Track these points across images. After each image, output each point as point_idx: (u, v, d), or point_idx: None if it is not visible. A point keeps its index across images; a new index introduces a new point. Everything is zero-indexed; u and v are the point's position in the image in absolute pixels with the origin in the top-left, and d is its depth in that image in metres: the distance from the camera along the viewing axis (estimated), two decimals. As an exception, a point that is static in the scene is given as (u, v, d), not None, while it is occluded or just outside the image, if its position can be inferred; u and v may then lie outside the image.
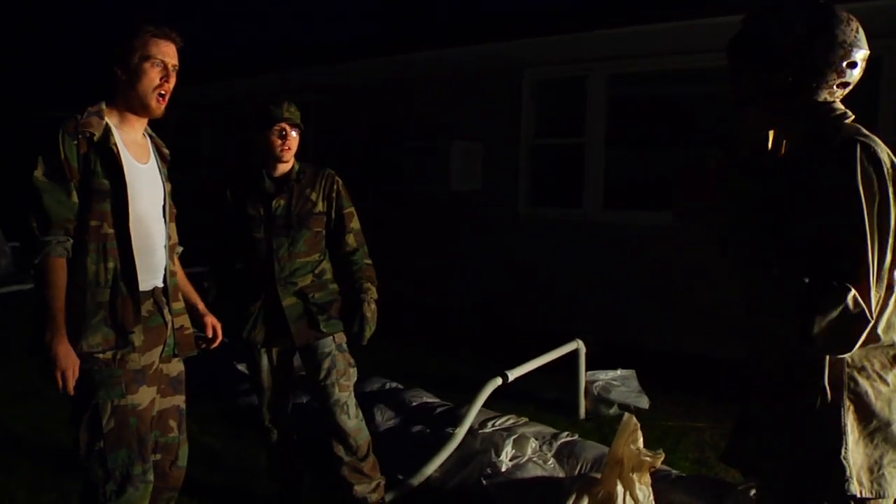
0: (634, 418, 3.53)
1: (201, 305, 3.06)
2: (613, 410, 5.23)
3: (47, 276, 2.46)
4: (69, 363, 2.44)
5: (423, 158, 9.01)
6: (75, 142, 2.51)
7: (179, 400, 2.90)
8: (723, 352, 5.08)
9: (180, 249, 3.00)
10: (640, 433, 3.48)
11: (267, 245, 3.52)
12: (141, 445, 2.61)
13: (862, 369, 1.76)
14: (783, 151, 1.96)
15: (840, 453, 1.73)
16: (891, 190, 1.68)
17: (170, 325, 2.78)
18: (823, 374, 1.75)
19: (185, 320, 2.88)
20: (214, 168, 12.72)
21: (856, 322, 1.64)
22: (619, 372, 5.62)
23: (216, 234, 3.74)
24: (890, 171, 1.70)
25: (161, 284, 2.77)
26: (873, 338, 1.72)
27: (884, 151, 1.72)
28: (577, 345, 5.11)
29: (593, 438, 4.51)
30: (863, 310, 1.63)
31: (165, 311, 2.76)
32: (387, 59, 9.97)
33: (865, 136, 1.74)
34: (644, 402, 5.45)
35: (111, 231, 2.58)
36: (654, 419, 5.15)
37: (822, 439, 1.76)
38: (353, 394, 3.58)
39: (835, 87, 1.82)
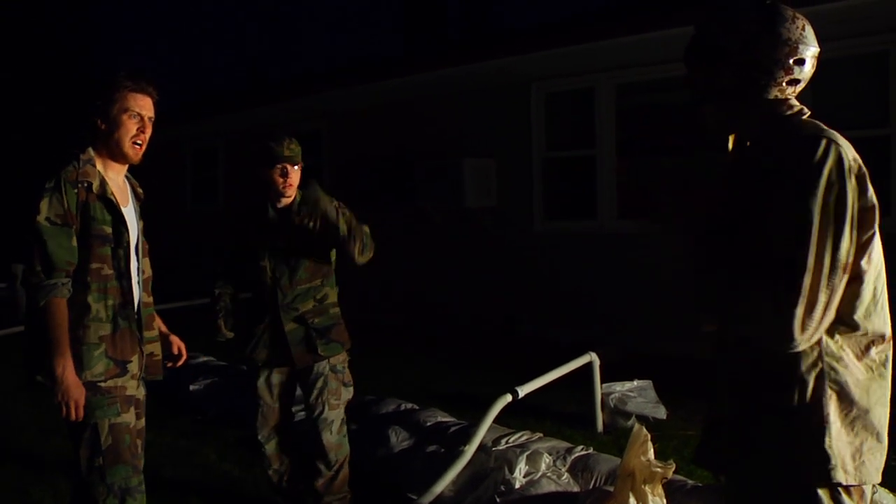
0: (644, 429, 3.52)
1: (164, 328, 3.21)
2: (631, 422, 5.19)
3: (55, 316, 2.67)
4: (80, 392, 2.67)
5: (436, 177, 9.06)
6: (75, 190, 2.73)
7: (144, 421, 3.05)
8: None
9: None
10: (650, 444, 3.46)
11: (271, 273, 3.69)
12: (134, 458, 2.83)
13: (840, 359, 1.77)
14: (738, 151, 2.01)
15: (824, 442, 1.75)
16: (850, 184, 1.71)
17: (143, 351, 2.95)
18: (800, 367, 1.77)
19: (156, 348, 3.07)
20: (232, 198, 12.84)
21: (787, 318, 1.68)
22: (635, 383, 5.58)
23: (220, 261, 3.98)
24: (853, 164, 1.73)
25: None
26: (852, 326, 1.76)
27: (845, 147, 1.75)
28: (591, 357, 5.10)
29: (611, 451, 4.47)
30: (792, 305, 1.67)
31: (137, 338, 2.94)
32: (397, 81, 10.07)
33: (827, 131, 1.78)
34: (661, 413, 5.42)
35: (111, 272, 2.82)
36: (671, 429, 5.12)
37: (805, 430, 1.77)
38: (342, 411, 3.75)
39: (784, 84, 1.86)
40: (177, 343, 3.21)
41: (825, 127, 1.80)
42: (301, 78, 13.99)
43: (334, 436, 3.71)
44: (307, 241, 3.70)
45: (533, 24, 10.48)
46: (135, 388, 2.88)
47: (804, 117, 1.88)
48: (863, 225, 1.74)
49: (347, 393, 3.80)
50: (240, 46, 25.00)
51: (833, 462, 1.74)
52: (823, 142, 1.72)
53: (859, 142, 1.95)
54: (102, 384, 2.75)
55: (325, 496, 3.79)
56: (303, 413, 4.80)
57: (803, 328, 1.69)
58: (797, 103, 1.90)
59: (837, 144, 1.73)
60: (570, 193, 8.75)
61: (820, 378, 1.76)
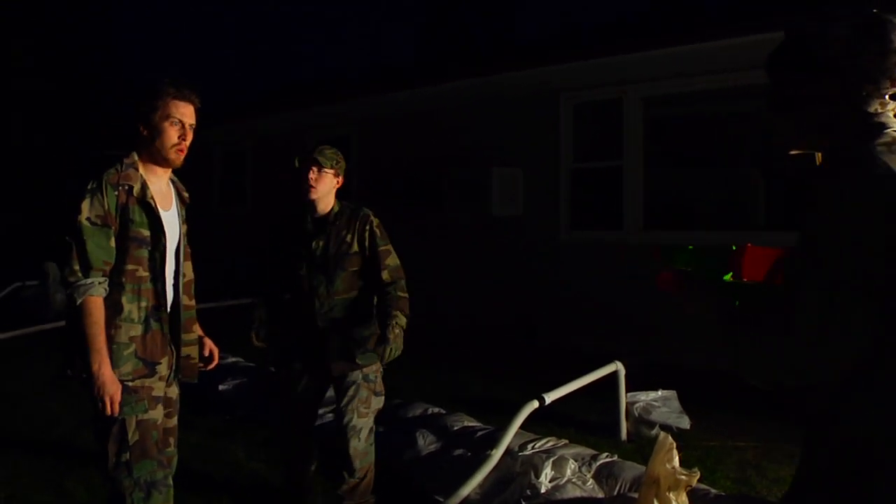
0: (670, 437, 3.56)
1: (199, 330, 3.27)
2: (655, 431, 5.22)
3: (92, 314, 2.74)
4: (116, 388, 2.75)
5: (465, 185, 9.14)
6: (116, 192, 2.82)
7: (176, 420, 3.14)
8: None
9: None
10: (675, 452, 3.51)
11: (308, 282, 3.78)
12: (160, 454, 2.90)
13: None
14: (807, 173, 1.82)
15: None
16: (876, 220, 1.55)
17: (175, 353, 3.03)
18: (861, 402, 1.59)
19: (193, 351, 3.13)
20: (259, 201, 12.96)
21: (791, 348, 1.60)
22: (659, 393, 5.62)
23: (264, 267, 4.09)
24: (881, 209, 1.55)
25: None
26: None
27: (878, 186, 1.57)
28: (617, 367, 5.15)
29: (634, 460, 4.50)
30: (791, 334, 1.58)
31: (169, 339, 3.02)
32: (427, 90, 10.14)
33: (872, 163, 1.60)
34: (685, 423, 5.44)
35: (146, 274, 2.89)
36: (695, 439, 5.14)
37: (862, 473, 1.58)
38: (371, 420, 3.81)
39: (887, 97, 1.69)
40: (209, 346, 3.27)
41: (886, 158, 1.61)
42: (331, 83, 14.10)
43: (362, 443, 3.77)
44: (342, 254, 3.79)
45: (562, 35, 10.52)
46: (162, 390, 2.94)
47: (883, 139, 1.66)
48: None
49: (377, 402, 3.86)
50: (269, 52, 25.16)
51: None
52: (866, 163, 1.59)
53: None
54: (129, 383, 2.81)
55: (348, 500, 3.86)
56: (331, 415, 4.92)
57: (813, 355, 1.57)
58: (890, 120, 1.70)
59: (866, 183, 1.57)
60: (596, 204, 8.78)
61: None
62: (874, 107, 1.69)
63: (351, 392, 3.76)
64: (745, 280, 1.93)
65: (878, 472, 1.54)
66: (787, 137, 1.84)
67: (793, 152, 1.87)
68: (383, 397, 3.91)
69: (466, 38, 16.05)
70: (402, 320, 3.77)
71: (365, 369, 3.79)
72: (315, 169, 3.76)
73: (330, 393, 3.99)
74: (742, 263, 1.93)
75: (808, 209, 1.63)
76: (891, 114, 1.71)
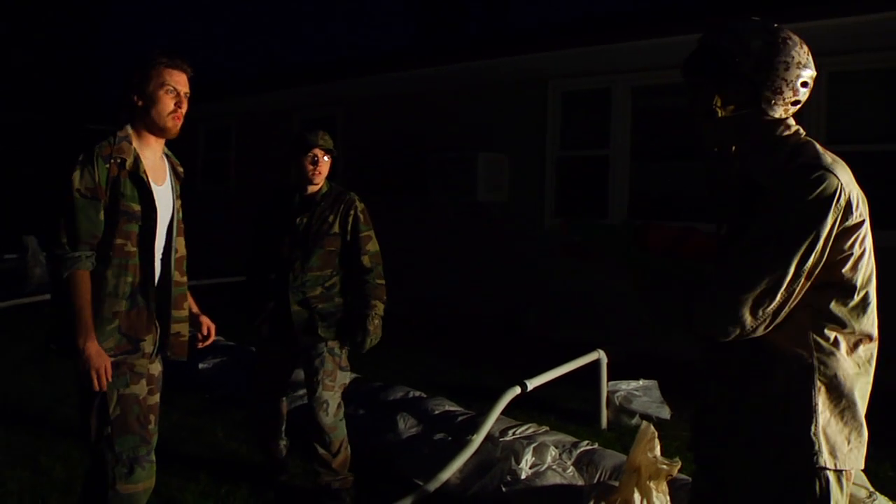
0: (652, 427, 3.56)
1: (195, 308, 3.26)
2: (635, 421, 5.24)
3: (78, 288, 2.71)
4: (102, 362, 2.71)
5: (450, 169, 9.10)
6: (107, 165, 2.78)
7: (158, 398, 3.10)
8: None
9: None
10: (657, 441, 3.51)
11: (287, 255, 3.92)
12: (143, 429, 2.86)
13: (832, 354, 1.89)
14: (729, 166, 2.10)
15: (810, 430, 1.86)
16: (833, 211, 1.82)
17: (159, 329, 2.97)
18: (789, 360, 1.89)
19: (183, 328, 3.09)
20: (243, 179, 12.87)
21: (737, 304, 1.84)
22: (640, 382, 5.64)
23: (254, 245, 4.19)
24: (843, 191, 1.83)
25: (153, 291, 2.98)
26: (841, 324, 1.89)
27: (839, 172, 1.85)
28: (599, 355, 5.15)
29: (615, 448, 4.51)
30: (744, 293, 1.83)
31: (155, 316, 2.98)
32: (414, 73, 10.10)
33: (822, 158, 1.88)
34: (665, 413, 5.47)
35: (134, 249, 2.86)
36: (675, 429, 5.15)
37: (793, 418, 1.88)
38: (338, 394, 3.93)
39: (789, 104, 1.97)
40: (206, 323, 3.25)
41: (821, 151, 1.92)
42: (319, 64, 14.00)
43: (329, 417, 3.86)
44: (322, 233, 3.93)
45: (552, 23, 10.48)
46: (145, 366, 2.92)
47: (802, 137, 1.99)
48: (843, 241, 1.85)
49: (343, 377, 3.98)
50: (257, 31, 25.00)
51: (817, 448, 1.86)
52: (818, 172, 1.83)
53: (871, 156, 1.99)
54: (112, 358, 2.78)
55: (325, 476, 3.93)
56: (304, 400, 4.93)
57: (753, 315, 1.84)
58: (794, 124, 2.01)
59: (831, 173, 1.83)
60: (581, 192, 8.78)
61: (809, 370, 1.88)
62: (779, 113, 1.97)
63: (316, 364, 3.89)
64: (650, 253, 2.17)
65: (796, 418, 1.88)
66: (711, 140, 2.09)
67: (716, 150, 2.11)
68: (349, 373, 4.05)
69: (459, 22, 15.99)
70: (381, 309, 3.97)
71: (330, 343, 3.91)
72: (320, 154, 3.94)
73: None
74: (647, 239, 2.17)
75: (761, 198, 1.89)
76: (791, 117, 2.01)
